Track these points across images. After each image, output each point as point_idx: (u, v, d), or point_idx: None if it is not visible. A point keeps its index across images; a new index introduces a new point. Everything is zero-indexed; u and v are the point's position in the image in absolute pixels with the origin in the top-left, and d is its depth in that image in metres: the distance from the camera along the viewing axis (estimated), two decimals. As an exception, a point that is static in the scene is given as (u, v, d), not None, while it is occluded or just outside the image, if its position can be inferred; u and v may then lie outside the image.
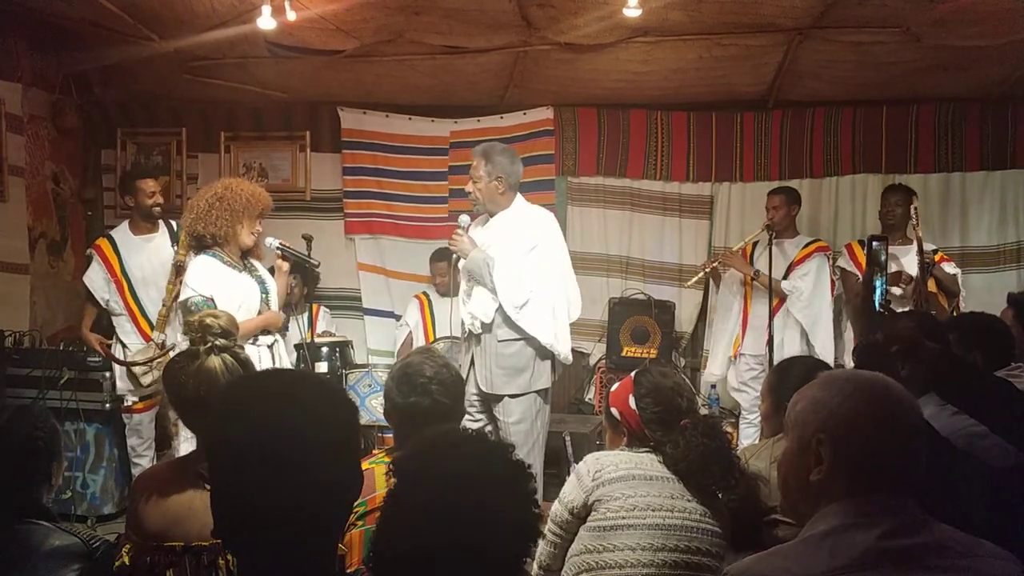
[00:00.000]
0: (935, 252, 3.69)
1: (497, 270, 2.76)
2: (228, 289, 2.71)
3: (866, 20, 3.39)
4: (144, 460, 3.48)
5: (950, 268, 3.67)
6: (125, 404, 3.51)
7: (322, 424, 0.89)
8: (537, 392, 2.84)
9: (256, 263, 2.91)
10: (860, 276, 3.66)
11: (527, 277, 2.76)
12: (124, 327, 3.51)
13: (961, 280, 3.69)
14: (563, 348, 2.87)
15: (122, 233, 3.59)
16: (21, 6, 3.59)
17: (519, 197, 2.92)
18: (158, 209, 3.55)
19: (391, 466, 1.02)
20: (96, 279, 3.52)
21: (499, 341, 2.80)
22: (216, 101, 4.37)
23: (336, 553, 0.97)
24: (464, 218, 2.91)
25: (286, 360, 2.90)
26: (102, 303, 3.53)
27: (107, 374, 3.50)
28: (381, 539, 0.98)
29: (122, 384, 3.48)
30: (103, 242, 3.57)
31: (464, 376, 2.67)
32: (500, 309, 2.79)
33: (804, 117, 4.27)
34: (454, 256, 2.92)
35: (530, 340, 2.79)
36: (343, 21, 3.38)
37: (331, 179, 4.48)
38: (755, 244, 3.91)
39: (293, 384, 0.95)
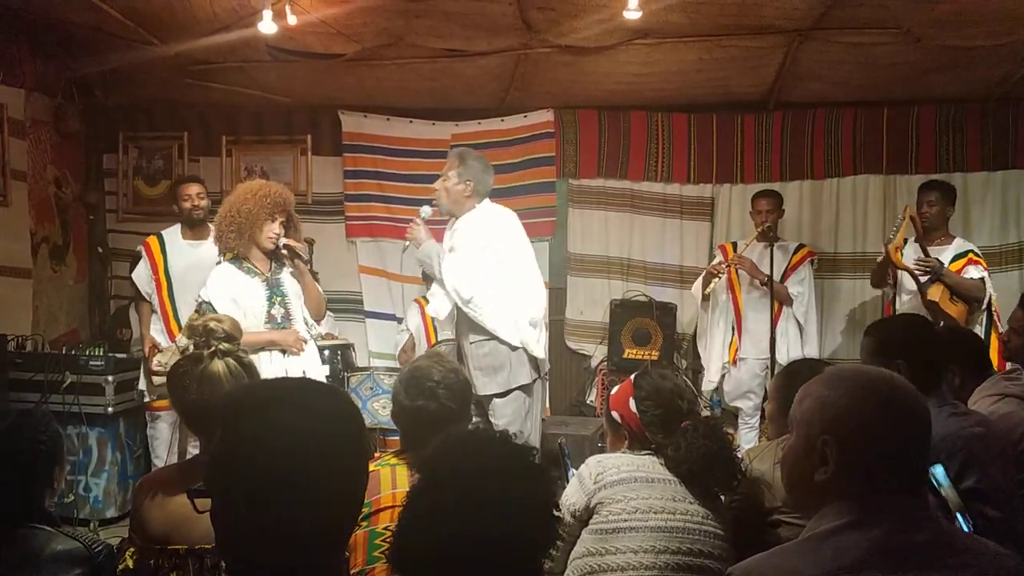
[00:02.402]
0: (965, 254, 3.53)
1: (446, 262, 2.80)
2: (232, 294, 2.74)
3: (866, 21, 3.39)
4: (160, 462, 3.48)
5: (975, 272, 3.49)
6: (146, 401, 3.52)
7: (331, 435, 0.89)
8: (520, 388, 2.86)
9: (284, 268, 2.87)
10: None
11: (476, 273, 2.77)
12: (155, 324, 3.53)
13: (990, 283, 3.51)
14: (532, 346, 2.85)
15: (172, 235, 3.60)
16: (24, 11, 3.61)
17: (486, 203, 2.92)
18: (199, 213, 3.54)
19: (417, 461, 1.03)
20: (142, 275, 3.55)
21: (471, 343, 2.84)
22: (217, 105, 4.38)
23: (342, 562, 0.96)
24: (425, 209, 2.94)
25: (304, 362, 2.83)
26: (146, 296, 3.56)
27: (109, 378, 3.51)
28: (403, 535, 0.98)
29: (143, 381, 3.50)
30: (152, 240, 3.60)
31: None
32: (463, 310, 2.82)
33: (805, 118, 4.27)
34: (407, 245, 2.94)
35: (500, 339, 2.81)
36: (344, 25, 3.39)
37: (332, 182, 4.48)
38: (735, 245, 3.91)
39: (301, 394, 0.93)
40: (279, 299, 2.82)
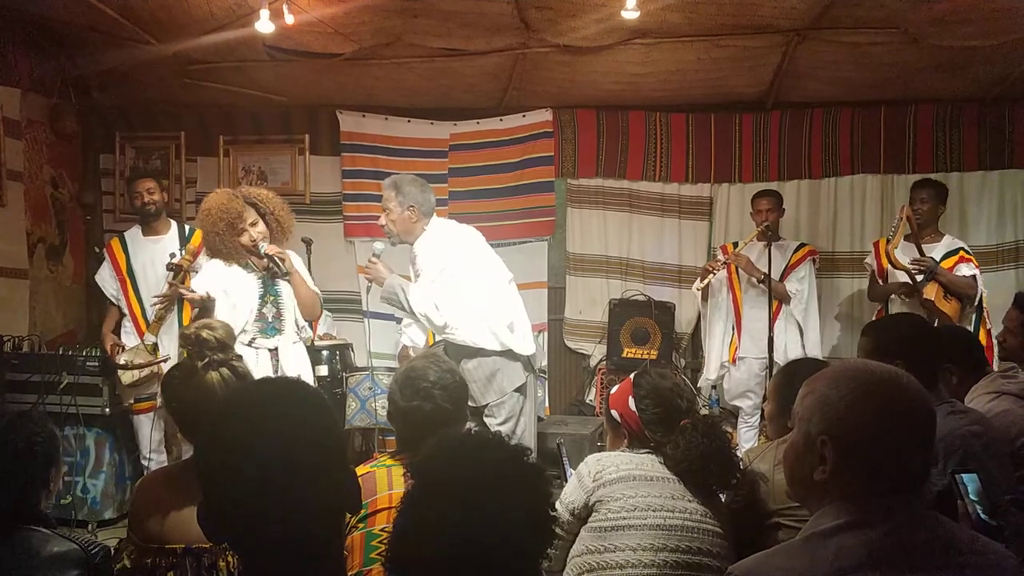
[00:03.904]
0: (956, 252, 3.59)
1: (412, 297, 2.78)
2: (224, 285, 2.78)
3: (864, 21, 3.40)
4: (150, 463, 3.48)
5: (967, 269, 3.54)
6: (127, 404, 3.52)
7: (302, 437, 0.91)
8: (516, 390, 2.89)
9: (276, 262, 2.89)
10: (876, 272, 3.73)
11: (441, 298, 2.77)
12: (126, 326, 3.56)
13: (981, 280, 3.56)
14: (516, 347, 2.87)
15: (133, 233, 3.66)
16: (19, 11, 3.60)
17: (435, 221, 2.93)
18: (151, 208, 3.58)
19: (411, 466, 1.03)
20: (105, 277, 3.59)
21: (460, 361, 2.84)
22: (215, 105, 4.37)
23: (339, 558, 0.96)
24: (378, 245, 2.92)
25: (291, 363, 2.84)
26: (113, 300, 3.58)
27: (107, 379, 3.50)
28: (399, 539, 0.99)
29: (119, 385, 3.50)
30: (114, 241, 3.66)
31: None
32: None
33: (802, 118, 4.28)
34: (370, 285, 2.92)
35: (483, 351, 2.82)
36: (341, 24, 3.39)
37: (330, 182, 4.48)
38: (735, 245, 3.92)
39: (271, 399, 0.96)
40: (272, 298, 2.83)
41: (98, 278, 3.62)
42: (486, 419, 2.87)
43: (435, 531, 0.94)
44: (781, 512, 1.81)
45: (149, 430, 3.45)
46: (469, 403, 2.78)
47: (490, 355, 2.83)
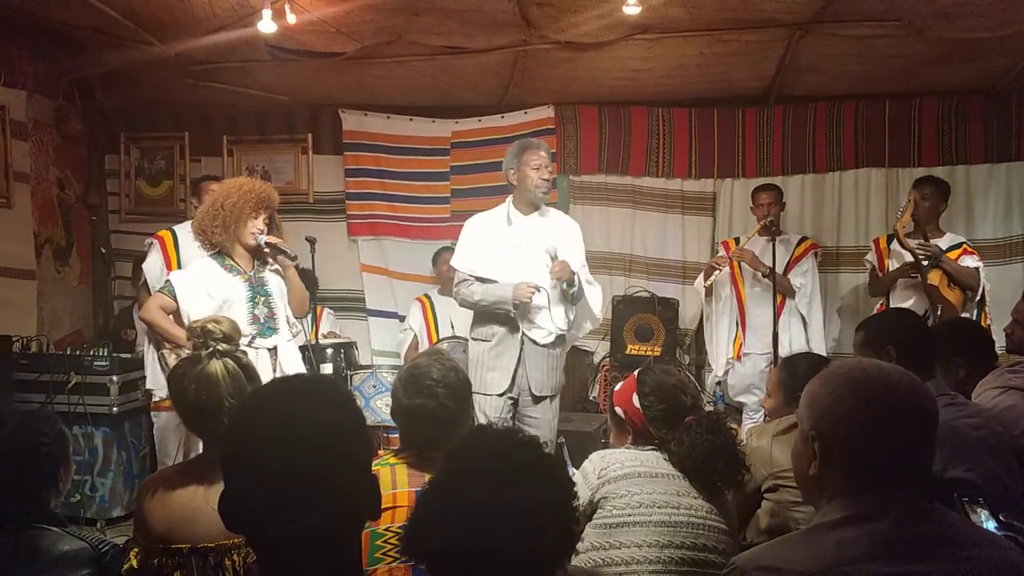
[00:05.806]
0: (959, 245, 3.61)
1: (583, 274, 2.98)
2: (208, 288, 2.73)
3: (867, 14, 3.38)
4: (170, 460, 3.48)
5: (971, 261, 3.55)
6: (153, 400, 3.52)
7: (329, 434, 0.91)
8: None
9: (267, 267, 2.85)
10: (877, 268, 3.74)
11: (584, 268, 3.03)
12: None
13: (984, 273, 3.57)
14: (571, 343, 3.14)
15: (185, 231, 3.54)
16: (24, 14, 3.62)
17: None
18: None
19: (444, 455, 1.05)
20: (153, 267, 3.51)
21: (551, 345, 2.95)
22: (218, 105, 4.38)
23: (357, 558, 0.97)
24: (551, 245, 2.93)
25: (290, 362, 2.81)
26: (150, 292, 3.56)
27: (114, 378, 3.52)
28: (419, 528, 0.99)
29: (151, 379, 3.49)
30: (165, 234, 3.56)
31: (509, 382, 2.83)
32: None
33: (806, 112, 4.26)
34: (557, 284, 2.89)
35: (563, 338, 2.98)
36: (343, 23, 3.39)
37: (333, 181, 4.49)
38: (737, 240, 3.92)
39: (304, 396, 0.96)
40: (263, 299, 2.79)
41: (145, 267, 3.53)
42: (534, 416, 2.90)
43: (458, 519, 0.95)
44: (777, 475, 1.86)
45: (175, 426, 3.44)
46: (539, 393, 2.87)
47: (563, 345, 2.98)
